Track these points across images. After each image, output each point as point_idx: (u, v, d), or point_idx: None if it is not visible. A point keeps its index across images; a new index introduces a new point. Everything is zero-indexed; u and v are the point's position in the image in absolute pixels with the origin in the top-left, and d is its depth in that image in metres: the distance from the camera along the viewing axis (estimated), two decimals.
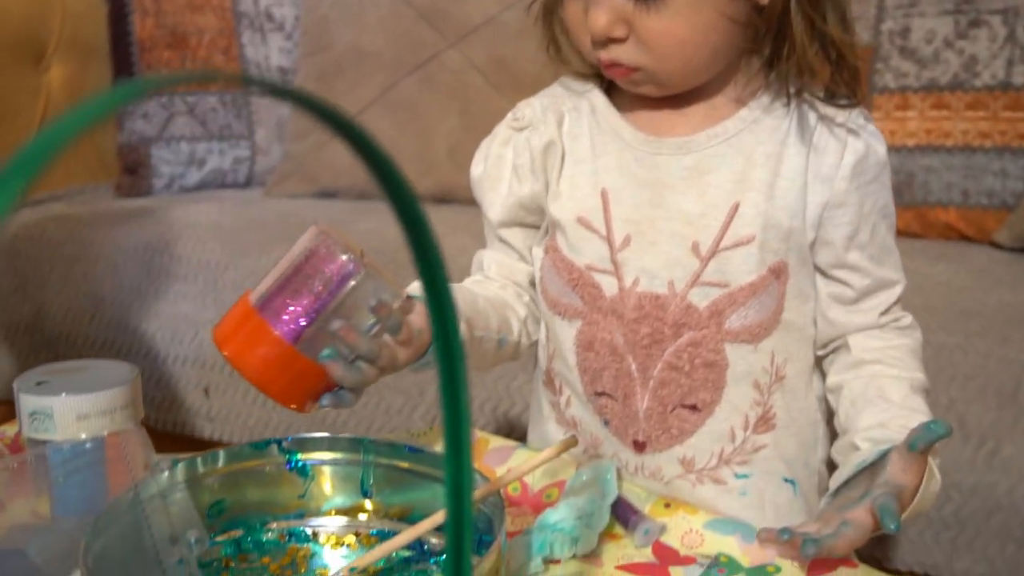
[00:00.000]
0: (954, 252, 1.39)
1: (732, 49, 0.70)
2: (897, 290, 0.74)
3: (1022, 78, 1.46)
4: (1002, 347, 1.04)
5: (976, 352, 1.04)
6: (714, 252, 0.70)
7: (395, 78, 1.78)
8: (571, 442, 0.64)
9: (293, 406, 0.60)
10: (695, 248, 0.70)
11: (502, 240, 0.79)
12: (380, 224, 1.59)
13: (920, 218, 1.50)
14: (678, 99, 0.73)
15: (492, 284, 0.78)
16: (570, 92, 0.77)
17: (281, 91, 0.23)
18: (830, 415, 0.75)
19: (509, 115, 0.78)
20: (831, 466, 0.76)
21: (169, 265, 1.45)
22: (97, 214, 1.59)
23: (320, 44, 1.81)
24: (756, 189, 0.70)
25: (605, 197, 0.73)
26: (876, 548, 1.03)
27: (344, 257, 0.59)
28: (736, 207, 0.70)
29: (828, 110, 0.71)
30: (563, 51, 0.75)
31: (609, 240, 0.73)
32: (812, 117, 0.71)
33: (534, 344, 0.79)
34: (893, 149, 1.51)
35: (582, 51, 0.72)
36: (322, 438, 0.63)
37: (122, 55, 1.75)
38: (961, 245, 1.44)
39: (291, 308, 0.59)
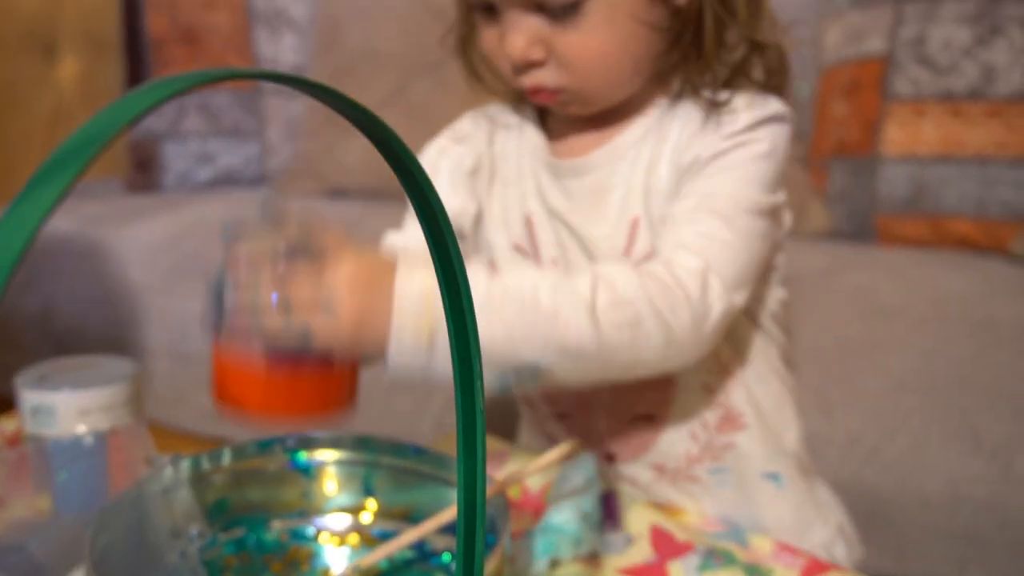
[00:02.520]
0: (968, 263, 1.38)
1: (653, 58, 0.67)
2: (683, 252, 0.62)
3: None
4: (1017, 360, 1.03)
5: (990, 364, 1.03)
6: None
7: (407, 78, 1.78)
8: (574, 447, 0.63)
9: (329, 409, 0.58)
10: None
11: None
12: (391, 223, 1.59)
13: (933, 228, 1.49)
14: (600, 117, 0.70)
15: None
16: (509, 111, 0.74)
17: (309, 85, 0.22)
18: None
19: (451, 125, 0.76)
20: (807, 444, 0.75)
21: (179, 262, 1.45)
22: (108, 209, 1.59)
23: (333, 42, 1.81)
24: (647, 199, 0.67)
25: (530, 223, 0.71)
26: (883, 558, 1.02)
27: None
28: (636, 221, 0.67)
29: (717, 96, 0.66)
30: (486, 80, 0.72)
31: (540, 265, 0.71)
32: (697, 115, 0.66)
33: None
34: (907, 158, 1.50)
35: (504, 78, 0.69)
36: (326, 437, 0.63)
37: (134, 51, 1.75)
38: (975, 256, 1.43)
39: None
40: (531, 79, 0.65)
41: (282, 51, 1.86)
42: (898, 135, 1.51)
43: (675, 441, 0.72)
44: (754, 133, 0.64)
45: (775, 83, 0.68)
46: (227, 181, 1.81)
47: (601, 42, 0.63)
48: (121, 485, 0.62)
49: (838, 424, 1.02)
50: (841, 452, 1.01)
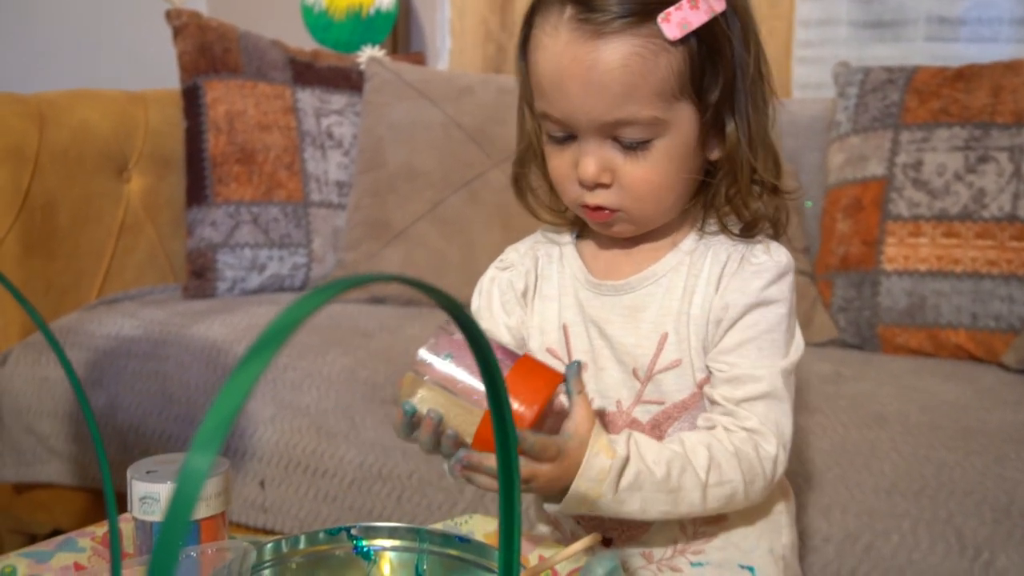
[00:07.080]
0: (963, 372, 1.48)
1: (689, 196, 0.82)
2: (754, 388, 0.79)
3: None
4: (999, 464, 1.13)
5: (974, 468, 1.13)
6: (650, 376, 0.82)
7: (443, 195, 1.93)
8: (596, 538, 0.74)
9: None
10: (635, 373, 0.83)
11: None
12: (425, 328, 1.72)
13: (932, 339, 1.59)
14: (630, 243, 0.85)
15: None
16: (547, 240, 0.90)
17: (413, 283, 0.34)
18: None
19: (498, 258, 0.92)
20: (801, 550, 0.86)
21: (232, 364, 1.58)
22: (167, 314, 1.73)
23: (375, 162, 1.97)
24: (678, 320, 0.81)
25: (566, 331, 0.86)
26: None
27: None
28: (665, 337, 0.82)
29: (739, 246, 0.82)
30: (536, 210, 0.88)
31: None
32: (724, 253, 0.82)
33: None
34: (906, 273, 1.62)
35: (565, 199, 0.83)
36: (384, 527, 0.74)
37: (195, 168, 1.91)
38: (971, 365, 1.53)
39: None
40: (595, 198, 0.79)
41: (329, 168, 2.02)
42: (897, 252, 1.64)
43: (666, 531, 0.84)
44: (775, 291, 0.80)
45: (779, 227, 0.83)
46: (275, 287, 1.95)
47: (659, 175, 0.78)
48: (209, 565, 0.73)
49: (836, 523, 1.11)
50: (838, 549, 1.10)
